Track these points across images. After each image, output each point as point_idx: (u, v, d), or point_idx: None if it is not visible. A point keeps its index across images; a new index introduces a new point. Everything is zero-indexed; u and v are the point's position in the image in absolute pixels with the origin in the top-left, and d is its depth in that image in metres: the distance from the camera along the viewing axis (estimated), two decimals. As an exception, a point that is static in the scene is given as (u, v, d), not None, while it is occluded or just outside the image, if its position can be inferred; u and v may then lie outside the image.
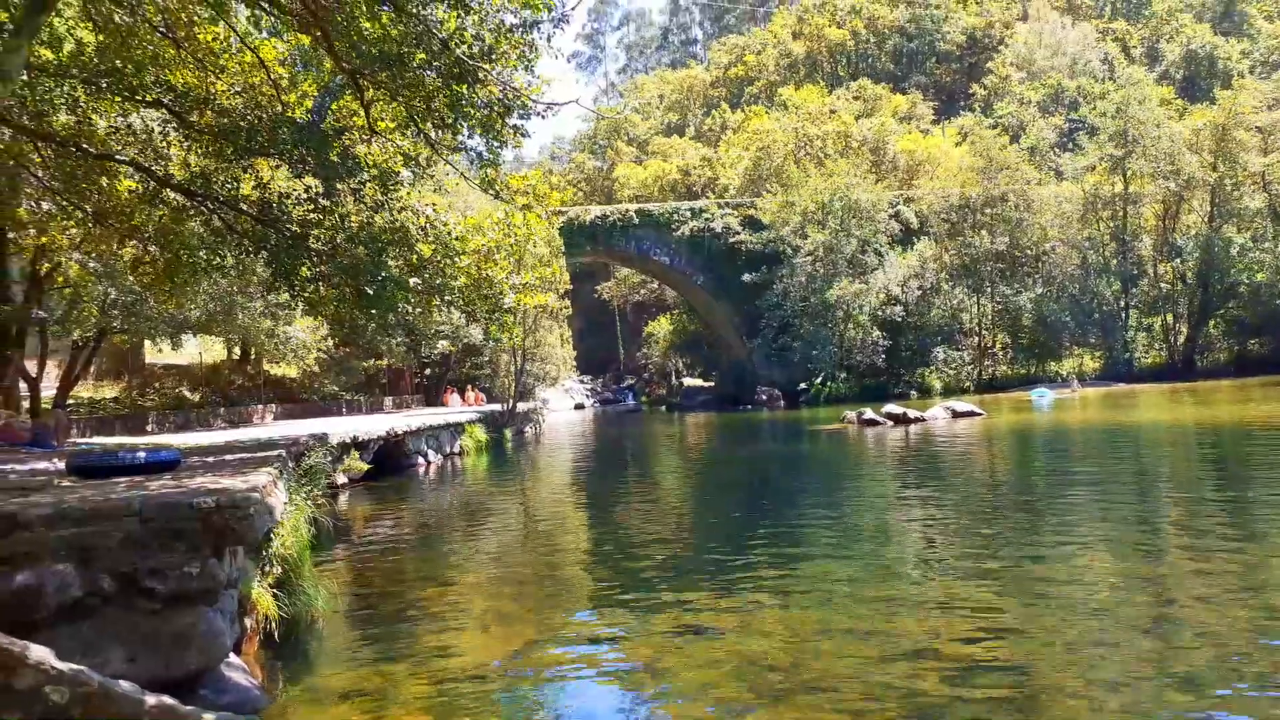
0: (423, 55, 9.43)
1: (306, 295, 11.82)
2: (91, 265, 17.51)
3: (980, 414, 28.81)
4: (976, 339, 53.10)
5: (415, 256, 11.34)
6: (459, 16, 9.53)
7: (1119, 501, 11.93)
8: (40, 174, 12.24)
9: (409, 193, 11.96)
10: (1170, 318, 52.54)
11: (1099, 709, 4.99)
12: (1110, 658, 5.74)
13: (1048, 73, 78.16)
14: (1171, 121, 52.55)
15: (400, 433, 21.32)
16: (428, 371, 45.52)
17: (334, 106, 11.54)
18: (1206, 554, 8.40)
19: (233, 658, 5.69)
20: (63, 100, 11.01)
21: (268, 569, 7.40)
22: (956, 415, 28.52)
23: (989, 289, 52.61)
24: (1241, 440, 18.32)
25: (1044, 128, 66.30)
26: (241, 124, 10.46)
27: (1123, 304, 52.54)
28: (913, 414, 27.58)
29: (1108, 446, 19.06)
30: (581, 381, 79.24)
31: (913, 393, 46.80)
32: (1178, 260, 51.62)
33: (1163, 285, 52.58)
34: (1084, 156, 54.02)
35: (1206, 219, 51.49)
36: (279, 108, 10.92)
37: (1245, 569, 7.78)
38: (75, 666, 4.03)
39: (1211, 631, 6.16)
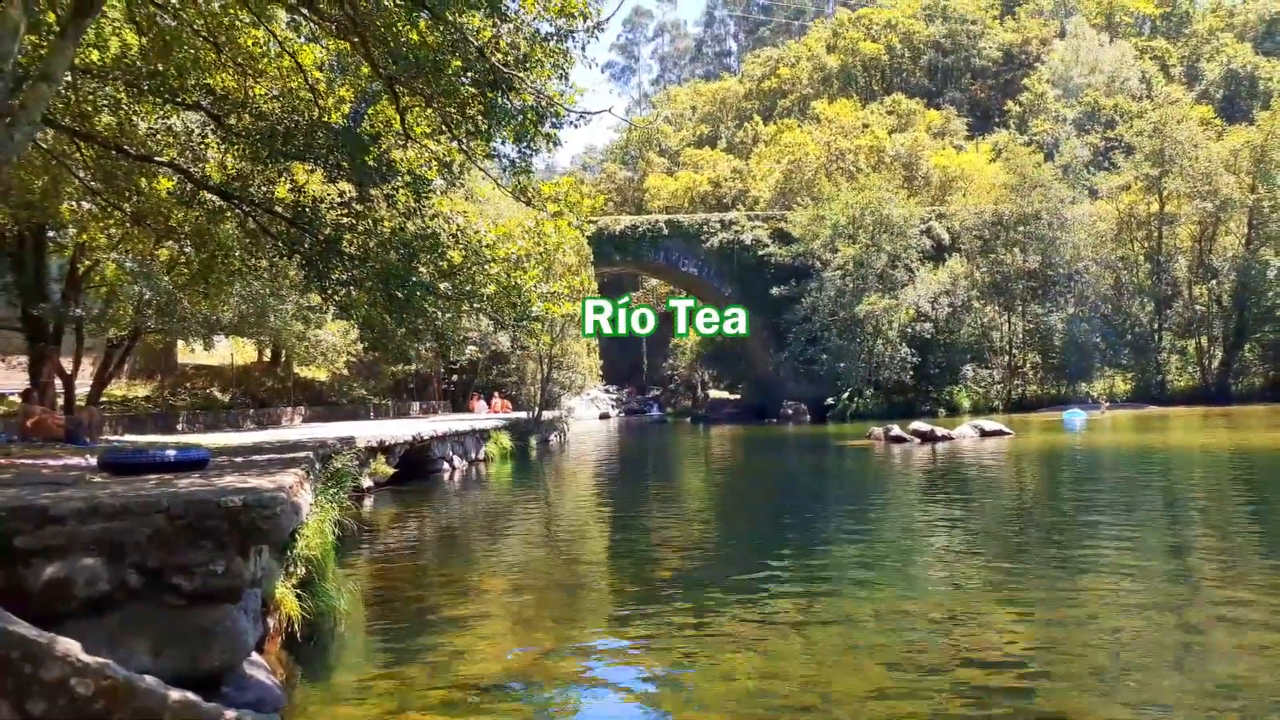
0: (458, 62, 9.50)
1: (338, 298, 11.94)
2: (128, 265, 17.76)
3: (1009, 434, 28.52)
4: (1006, 358, 52.58)
5: (446, 263, 11.42)
6: (494, 25, 9.59)
7: (1148, 526, 11.76)
8: (81, 174, 12.45)
9: (441, 200, 12.05)
10: (1204, 341, 51.78)
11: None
12: (1136, 683, 5.64)
13: (1084, 90, 77.44)
14: (1210, 142, 51.88)
15: (426, 438, 21.42)
16: (455, 378, 45.74)
17: (370, 112, 11.65)
18: (1236, 581, 8.26)
19: (255, 656, 5.73)
20: (105, 102, 11.20)
21: (292, 569, 7.45)
22: (985, 434, 28.24)
23: (1020, 307, 52.11)
24: (1275, 467, 18.01)
25: (1078, 145, 65.62)
26: (279, 128, 10.58)
27: (1156, 326, 51.86)
28: (940, 432, 27.36)
29: (1138, 470, 18.81)
30: (607, 391, 79.22)
31: (941, 410, 46.41)
32: (1213, 282, 50.89)
33: (1197, 307, 51.82)
34: (1119, 175, 53.44)
35: (1243, 241, 50.74)
36: (316, 112, 11.04)
37: (1275, 596, 7.63)
38: (101, 660, 4.06)
39: (1239, 659, 6.05)
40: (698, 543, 12.10)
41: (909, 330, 48.39)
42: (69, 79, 10.18)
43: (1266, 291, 48.65)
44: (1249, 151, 49.82)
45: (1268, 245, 49.79)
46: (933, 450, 24.17)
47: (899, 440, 26.80)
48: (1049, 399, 49.90)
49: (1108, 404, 46.40)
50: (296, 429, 23.93)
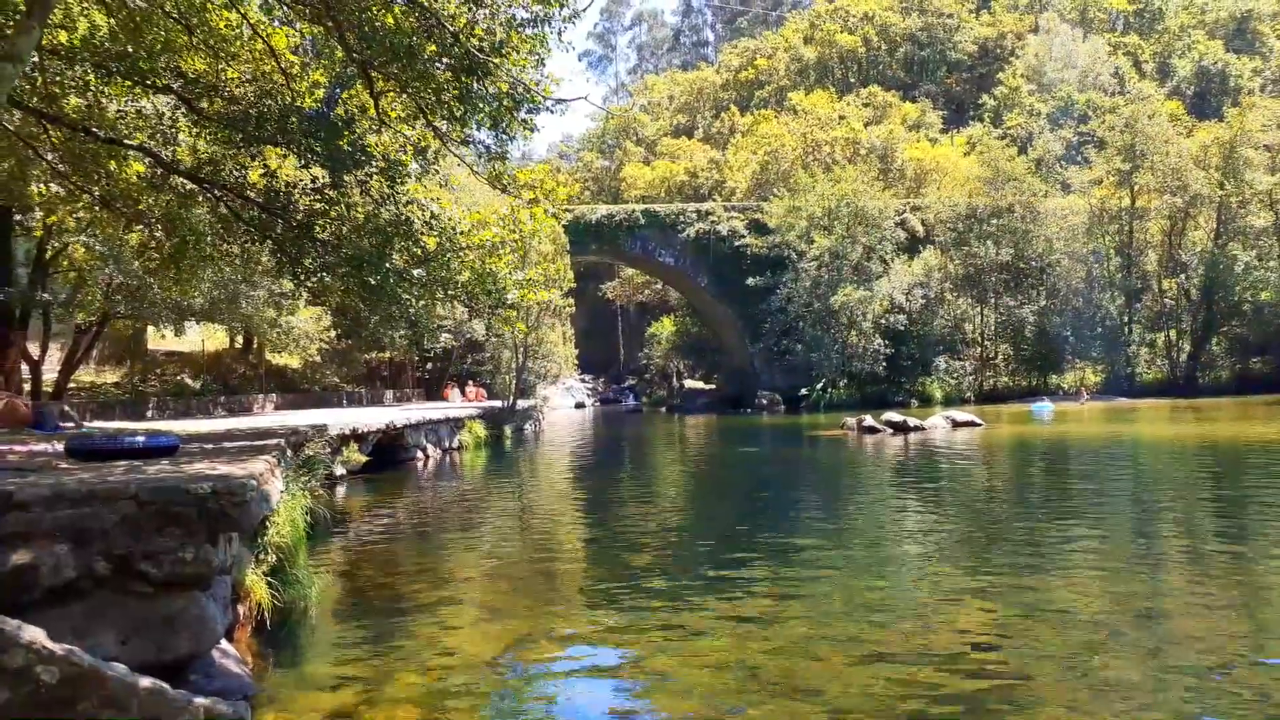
0: (434, 48, 9.43)
1: (311, 284, 11.84)
2: (97, 248, 17.53)
3: (980, 424, 28.78)
4: (979, 349, 53.07)
5: (420, 249, 11.35)
6: (470, 9, 9.53)
7: (1115, 515, 11.92)
8: (49, 156, 12.26)
9: (415, 186, 11.97)
10: (1173, 334, 52.46)
11: (1089, 716, 4.99)
12: (1102, 671, 5.73)
13: (1057, 85, 78.03)
14: (1180, 137, 52.47)
15: (399, 426, 21.32)
16: (429, 366, 45.55)
17: (344, 96, 11.55)
18: (1201, 569, 8.39)
19: (225, 644, 5.69)
20: (74, 83, 11.02)
21: (263, 557, 7.40)
22: (956, 425, 28.49)
23: (993, 300, 52.59)
24: (1241, 458, 18.30)
25: (1051, 140, 66.22)
26: (251, 112, 10.46)
27: (1126, 319, 52.49)
28: (913, 422, 27.56)
29: (1106, 460, 19.04)
30: (582, 380, 79.27)
31: (913, 401, 46.80)
32: (1182, 276, 51.55)
33: (1167, 301, 52.50)
34: (1091, 170, 53.97)
35: (1212, 236, 51.40)
36: (289, 97, 10.93)
37: (1240, 585, 7.78)
38: (67, 647, 4.03)
39: (1205, 646, 6.15)
40: (671, 532, 12.14)
41: (882, 322, 48.73)
42: (36, 60, 10.01)
43: (1234, 286, 49.32)
44: (1218, 148, 50.40)
45: (1236, 240, 50.47)
46: (905, 441, 24.35)
47: (872, 431, 26.97)
48: (1020, 390, 50.42)
49: (1087, 395, 46.89)
50: (268, 416, 23.74)
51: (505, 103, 9.97)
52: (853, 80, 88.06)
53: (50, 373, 21.56)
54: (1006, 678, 5.63)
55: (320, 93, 11.49)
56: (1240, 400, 40.63)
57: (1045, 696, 5.30)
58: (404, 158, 11.38)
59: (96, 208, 13.26)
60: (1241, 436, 22.56)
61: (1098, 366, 52.33)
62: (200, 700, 4.26)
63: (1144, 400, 44.29)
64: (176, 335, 25.57)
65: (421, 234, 11.33)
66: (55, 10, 9.31)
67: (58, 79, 10.95)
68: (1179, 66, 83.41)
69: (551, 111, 10.61)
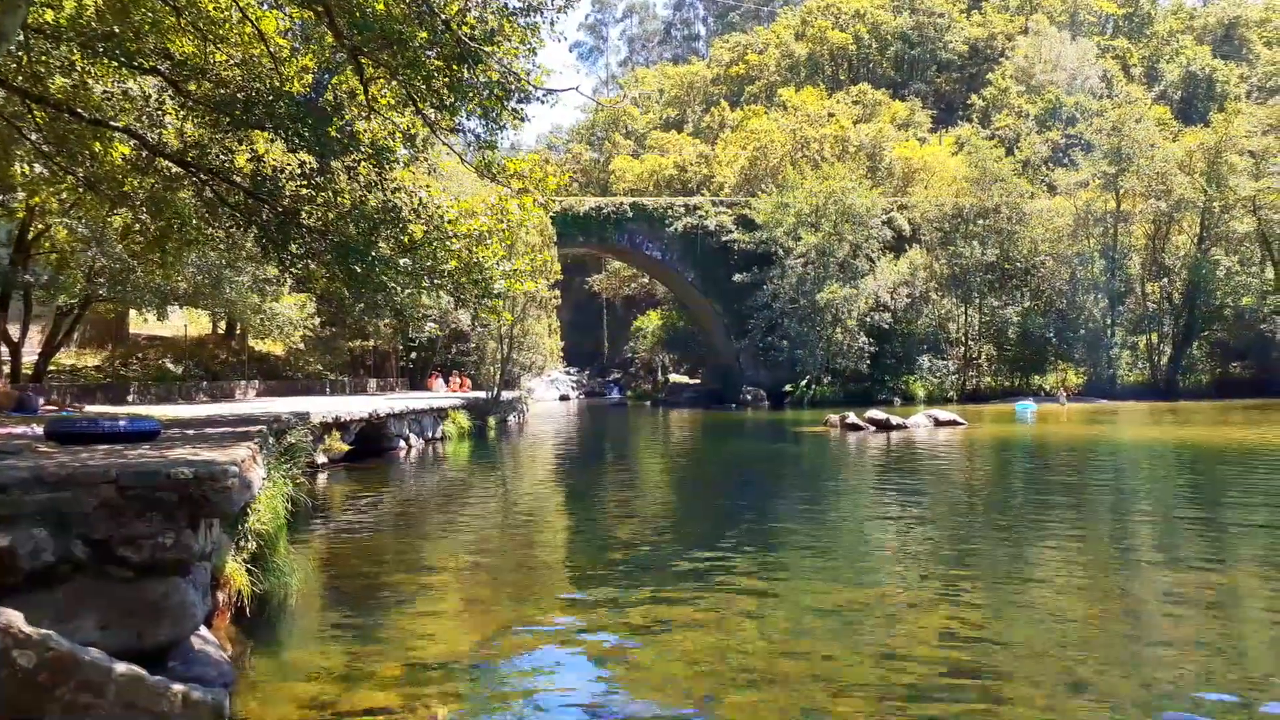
0: (424, 35, 9.37)
1: (295, 271, 11.77)
2: (80, 231, 17.38)
3: (962, 424, 28.92)
4: (962, 349, 53.32)
5: (407, 237, 11.29)
6: (462, -2, 9.48)
7: (1094, 516, 12.01)
8: (33, 136, 12.13)
9: (403, 173, 11.91)
10: (1155, 337, 52.87)
11: (1063, 714, 5.02)
12: (1078, 666, 5.77)
13: (1046, 87, 78.31)
14: (1166, 142, 52.81)
15: (383, 415, 21.25)
16: (413, 355, 45.41)
17: (333, 82, 11.46)
18: (1177, 568, 8.47)
19: (204, 631, 5.66)
20: (59, 63, 10.90)
21: (243, 544, 7.36)
22: (939, 424, 28.62)
23: (977, 300, 52.84)
24: (1218, 461, 18.46)
25: (1038, 142, 66.52)
26: (238, 96, 10.38)
27: (1109, 321, 52.83)
28: (895, 420, 27.68)
29: (1087, 462, 19.18)
30: (567, 373, 79.10)
31: (896, 399, 47.02)
32: (1165, 280, 51.95)
33: (1149, 304, 52.90)
34: (1078, 172, 54.27)
35: (1196, 240, 51.80)
36: (277, 81, 10.84)
37: (1214, 584, 7.85)
38: (44, 631, 4.00)
39: (1179, 643, 6.21)
40: (652, 525, 12.16)
41: (867, 319, 48.95)
42: (21, 39, 9.89)
43: (1216, 291, 49.76)
44: (1203, 153, 50.77)
45: (1219, 245, 50.90)
46: (888, 439, 24.46)
47: (855, 428, 27.07)
48: (1002, 390, 50.71)
49: (1066, 396, 47.18)
50: (250, 403, 23.62)
51: (496, 92, 9.92)
52: (843, 78, 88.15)
53: (30, 355, 21.38)
54: (982, 676, 5.66)
55: (309, 78, 11.39)
56: (1219, 404, 40.99)
57: (1021, 695, 5.34)
58: (393, 143, 11.31)
59: (80, 189, 13.12)
60: (1219, 440, 22.77)
61: (1080, 368, 52.66)
62: (178, 687, 4.24)
63: (1124, 402, 44.60)
64: (159, 320, 25.35)
65: (409, 221, 11.28)
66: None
67: (43, 58, 10.82)
68: (1167, 71, 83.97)
69: (542, 102, 10.56)
